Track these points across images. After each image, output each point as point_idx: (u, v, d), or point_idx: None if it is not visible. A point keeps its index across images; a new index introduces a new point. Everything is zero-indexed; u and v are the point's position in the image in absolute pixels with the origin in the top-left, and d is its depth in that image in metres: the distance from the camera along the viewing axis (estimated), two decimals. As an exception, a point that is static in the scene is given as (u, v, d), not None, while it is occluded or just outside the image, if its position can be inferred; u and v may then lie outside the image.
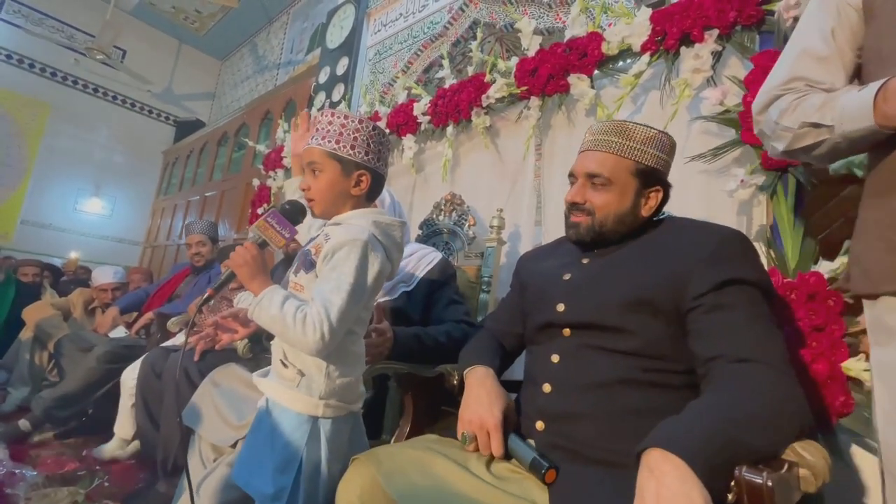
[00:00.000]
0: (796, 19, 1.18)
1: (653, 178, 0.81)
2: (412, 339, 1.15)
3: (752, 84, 1.17)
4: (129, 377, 1.75)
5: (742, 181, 1.13)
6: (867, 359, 0.95)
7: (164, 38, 6.32)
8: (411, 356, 1.10)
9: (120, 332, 2.29)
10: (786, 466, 0.51)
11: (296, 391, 0.80)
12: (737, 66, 1.31)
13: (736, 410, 0.55)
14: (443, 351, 1.16)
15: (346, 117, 0.87)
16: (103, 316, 2.43)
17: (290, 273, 0.88)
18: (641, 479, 0.50)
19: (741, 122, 1.18)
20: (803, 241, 1.07)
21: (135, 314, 2.45)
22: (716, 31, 1.26)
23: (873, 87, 0.59)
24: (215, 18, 5.86)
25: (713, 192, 1.30)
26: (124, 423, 1.78)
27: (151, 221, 5.90)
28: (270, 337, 1.44)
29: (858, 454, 0.99)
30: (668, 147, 0.82)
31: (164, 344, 1.87)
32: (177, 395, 1.40)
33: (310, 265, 0.82)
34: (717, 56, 1.30)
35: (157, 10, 5.77)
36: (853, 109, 0.60)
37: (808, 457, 0.53)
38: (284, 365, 0.81)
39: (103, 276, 2.71)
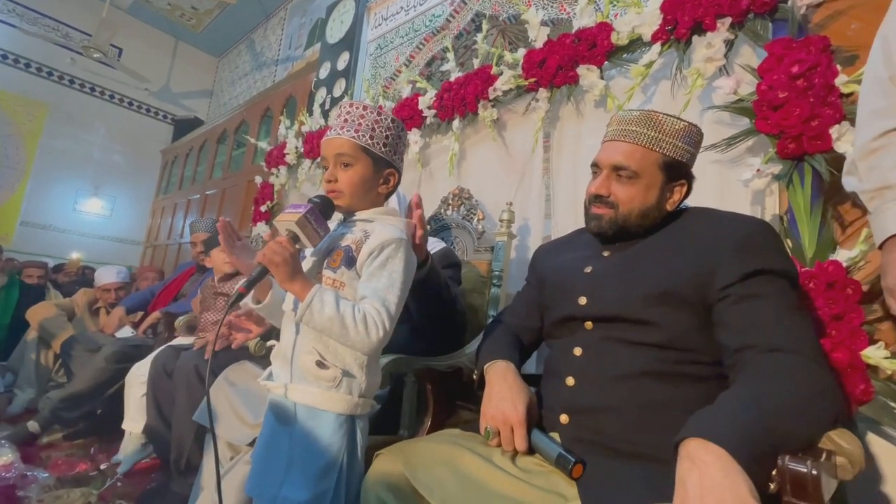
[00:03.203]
0: (810, 7, 1.17)
1: (679, 171, 0.80)
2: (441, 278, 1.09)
3: (766, 73, 1.15)
4: (138, 373, 1.74)
5: (758, 170, 1.12)
6: (886, 346, 0.95)
7: (161, 35, 6.27)
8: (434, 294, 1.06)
9: (126, 331, 2.29)
10: (824, 455, 0.50)
11: (336, 392, 0.77)
12: (749, 55, 1.29)
13: (773, 400, 0.54)
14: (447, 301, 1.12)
15: (378, 113, 0.85)
16: (109, 316, 2.42)
17: (323, 269, 0.84)
18: (682, 470, 0.49)
19: (755, 111, 1.16)
20: (821, 230, 1.06)
21: (140, 314, 2.44)
22: (728, 20, 1.24)
23: (883, 231, 0.69)
24: (212, 15, 5.81)
25: (727, 182, 1.29)
26: (134, 416, 1.73)
27: (152, 221, 5.87)
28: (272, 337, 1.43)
29: (876, 442, 0.99)
30: (696, 140, 0.81)
31: (172, 343, 1.86)
32: (189, 397, 1.39)
33: (351, 261, 0.80)
34: (729, 45, 1.29)
35: (154, 7, 5.71)
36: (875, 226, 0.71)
37: (844, 445, 0.52)
38: (323, 366, 0.77)
39: (107, 276, 2.70)
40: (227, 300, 1.62)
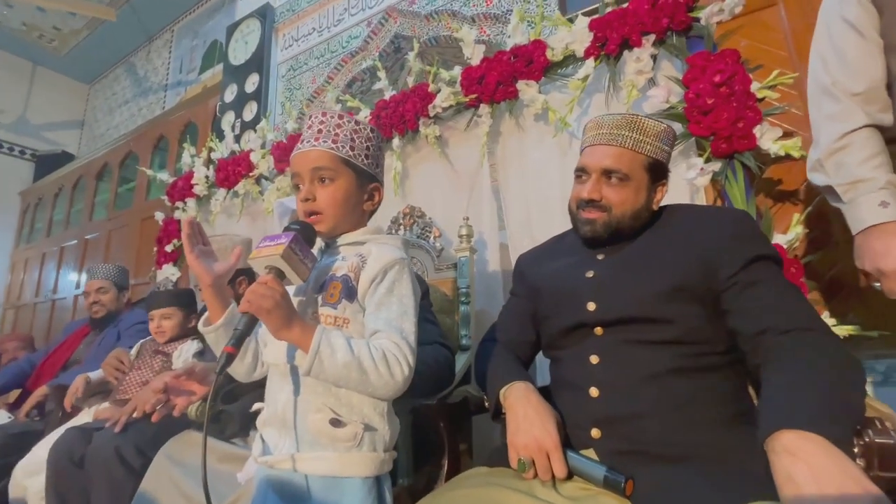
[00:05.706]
0: (720, 23, 1.33)
1: (661, 171, 0.83)
2: None
3: (691, 82, 1.28)
4: (29, 469, 1.36)
5: (701, 169, 1.22)
6: (831, 315, 1.08)
7: (14, 59, 5.31)
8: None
9: (2, 417, 1.80)
10: (877, 423, 0.52)
11: (358, 452, 0.64)
12: (669, 68, 1.43)
13: (828, 378, 0.56)
14: (430, 376, 1.05)
15: (357, 122, 0.76)
16: (-30, 402, 1.91)
17: (320, 307, 0.71)
18: (784, 464, 0.48)
19: (687, 117, 1.28)
20: (758, 219, 1.18)
21: (17, 392, 1.96)
22: (653, 36, 1.36)
23: (861, 222, 0.79)
24: (79, 36, 5.08)
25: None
26: None
27: (11, 277, 4.87)
28: (229, 398, 1.21)
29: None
30: (672, 140, 0.85)
31: (72, 423, 1.50)
32: (112, 490, 1.11)
33: (352, 293, 0.69)
34: (653, 59, 1.41)
35: (4, 28, 4.84)
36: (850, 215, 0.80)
37: (882, 409, 0.55)
38: (339, 424, 0.64)
39: (-40, 351, 2.14)
40: (165, 360, 1.35)
